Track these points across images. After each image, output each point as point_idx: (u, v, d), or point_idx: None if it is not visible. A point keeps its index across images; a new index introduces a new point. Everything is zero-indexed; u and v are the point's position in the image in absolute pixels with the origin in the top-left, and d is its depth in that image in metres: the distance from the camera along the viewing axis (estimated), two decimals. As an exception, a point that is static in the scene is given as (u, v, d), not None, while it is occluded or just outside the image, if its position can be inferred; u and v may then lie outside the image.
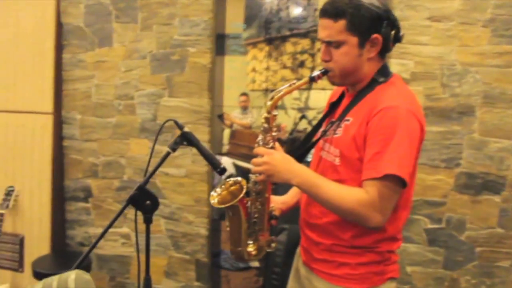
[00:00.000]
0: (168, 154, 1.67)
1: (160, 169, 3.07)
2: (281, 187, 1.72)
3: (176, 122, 1.72)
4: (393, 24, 1.56)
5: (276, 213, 1.78)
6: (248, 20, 3.06)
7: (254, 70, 3.10)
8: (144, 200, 1.64)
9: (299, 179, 1.52)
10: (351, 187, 1.49)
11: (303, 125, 3.09)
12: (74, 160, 3.36)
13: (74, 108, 3.31)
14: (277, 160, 1.56)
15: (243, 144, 3.62)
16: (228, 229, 1.73)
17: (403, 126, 1.44)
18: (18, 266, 3.30)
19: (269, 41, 3.01)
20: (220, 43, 3.09)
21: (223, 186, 1.79)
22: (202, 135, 3.03)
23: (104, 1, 3.17)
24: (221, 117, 3.33)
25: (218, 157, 3.35)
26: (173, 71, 3.06)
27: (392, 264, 1.62)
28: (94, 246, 1.58)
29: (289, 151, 1.67)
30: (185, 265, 3.20)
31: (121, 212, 1.61)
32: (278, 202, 1.84)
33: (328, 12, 1.53)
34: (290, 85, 1.63)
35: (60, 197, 3.41)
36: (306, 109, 3.01)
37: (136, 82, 3.15)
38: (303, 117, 3.10)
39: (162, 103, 3.11)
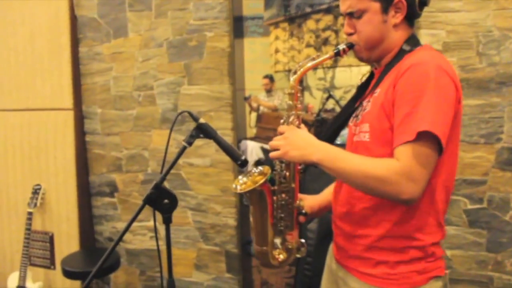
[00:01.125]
0: (184, 148, 1.56)
1: (184, 159, 3.00)
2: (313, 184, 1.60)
3: (190, 114, 1.60)
4: None
5: (306, 210, 1.63)
6: (268, 0, 2.91)
7: (277, 50, 2.96)
8: (162, 199, 1.54)
9: (319, 154, 1.38)
10: (380, 158, 1.34)
11: (330, 105, 2.94)
12: (97, 155, 3.30)
13: (94, 102, 3.25)
14: (296, 135, 1.44)
15: (270, 127, 3.50)
16: (252, 225, 1.62)
17: (434, 81, 1.30)
18: (50, 264, 3.30)
19: (290, 20, 2.85)
20: (238, 26, 2.96)
21: (249, 176, 1.66)
22: (225, 123, 2.92)
23: (116, -11, 3.07)
24: (247, 99, 3.20)
25: (245, 142, 3.25)
26: (191, 57, 2.95)
27: (436, 260, 1.45)
28: (111, 251, 1.49)
29: (316, 134, 1.54)
30: (215, 256, 3.13)
31: (137, 214, 1.51)
32: (309, 200, 1.70)
33: None
34: (313, 59, 1.52)
35: (86, 193, 3.38)
36: (332, 88, 2.85)
37: (154, 72, 3.05)
38: (329, 96, 2.95)
39: (182, 91, 3.01)
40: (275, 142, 1.45)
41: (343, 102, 2.86)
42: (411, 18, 1.48)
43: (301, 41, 2.86)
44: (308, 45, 2.87)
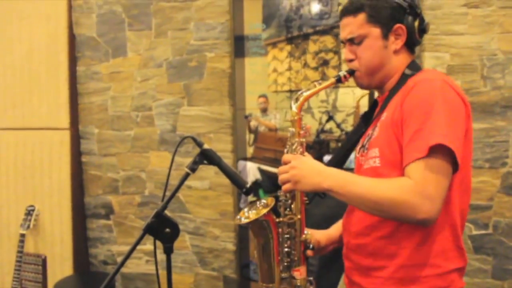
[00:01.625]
0: (187, 175, 1.50)
1: (186, 183, 2.93)
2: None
3: (194, 139, 1.54)
4: (416, 13, 1.46)
5: (314, 244, 1.56)
6: (267, 20, 2.88)
7: (275, 70, 2.93)
8: (163, 228, 1.47)
9: (330, 181, 1.33)
10: (391, 178, 1.29)
11: (330, 126, 2.90)
12: (93, 176, 3.23)
13: (91, 122, 3.19)
14: (304, 163, 1.39)
15: (267, 148, 3.46)
16: (257, 261, 1.55)
17: (441, 96, 1.27)
18: (42, 288, 3.20)
19: (290, 40, 2.83)
20: (239, 45, 2.92)
21: (253, 209, 1.60)
22: (225, 145, 2.87)
23: (116, 9, 3.04)
24: (247, 117, 3.15)
25: (242, 162, 3.19)
26: (191, 78, 2.91)
27: None
28: (112, 277, 1.42)
29: (317, 156, 1.49)
30: (213, 281, 3.04)
31: (137, 243, 1.44)
32: (316, 234, 1.63)
33: (347, 10, 1.47)
34: (315, 86, 1.49)
35: (81, 214, 3.29)
36: (334, 110, 2.81)
37: (153, 92, 3.01)
38: (330, 118, 2.92)
39: (182, 112, 2.96)
40: (284, 175, 1.40)
41: (345, 125, 2.81)
42: (411, 45, 1.48)
43: (301, 61, 2.83)
44: (307, 66, 2.84)
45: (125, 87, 3.07)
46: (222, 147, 2.87)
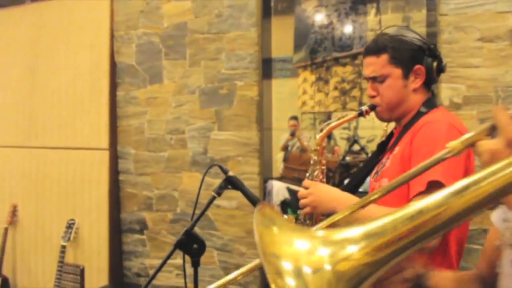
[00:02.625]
0: (213, 198, 1.71)
1: (216, 202, 3.12)
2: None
3: (220, 167, 1.75)
4: (435, 55, 1.61)
5: None
6: (298, 42, 3.02)
7: (305, 92, 3.08)
8: (191, 244, 1.67)
9: (342, 206, 1.50)
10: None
11: (356, 148, 3.04)
12: (129, 194, 3.47)
13: (128, 144, 3.43)
14: (321, 190, 1.57)
15: (296, 168, 3.60)
16: None
17: (445, 137, 1.42)
18: (79, 297, 3.43)
19: (318, 64, 2.99)
20: (266, 67, 3.08)
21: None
22: (252, 167, 3.05)
23: (154, 39, 3.29)
24: (293, 134, 3.24)
25: (271, 182, 3.36)
26: (222, 104, 3.12)
27: None
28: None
29: (341, 179, 1.67)
30: (239, 296, 3.21)
31: (168, 257, 1.65)
32: None
33: (371, 50, 1.62)
34: (339, 119, 1.70)
35: (117, 229, 3.52)
36: (355, 137, 2.97)
37: (187, 117, 3.23)
38: (355, 141, 3.06)
39: (212, 136, 3.17)
40: (303, 200, 1.58)
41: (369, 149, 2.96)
42: (429, 83, 1.63)
43: (328, 85, 2.98)
44: (335, 88, 2.98)
45: (160, 112, 3.31)
46: (250, 169, 3.06)
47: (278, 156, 3.70)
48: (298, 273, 0.64)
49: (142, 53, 3.34)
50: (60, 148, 3.54)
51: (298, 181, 3.54)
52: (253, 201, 1.75)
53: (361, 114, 1.66)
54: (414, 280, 1.38)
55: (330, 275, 0.63)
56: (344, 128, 2.90)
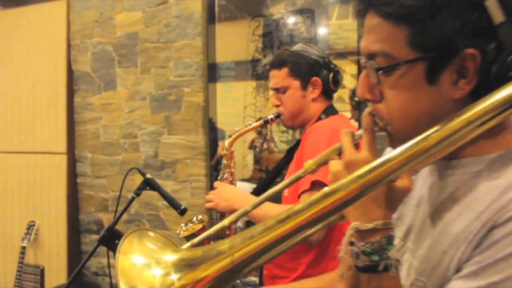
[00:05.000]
0: (133, 199, 1.87)
1: (164, 202, 3.27)
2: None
3: (139, 170, 1.93)
4: (330, 68, 1.77)
5: None
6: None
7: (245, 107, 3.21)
8: (113, 240, 1.83)
9: (240, 203, 1.67)
10: (286, 205, 1.62)
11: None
12: (87, 196, 3.61)
13: (85, 148, 3.58)
14: (225, 190, 1.75)
15: (265, 169, 3.75)
16: None
17: (326, 142, 1.57)
18: (40, 296, 3.56)
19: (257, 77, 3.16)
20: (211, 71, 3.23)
21: (190, 224, 1.96)
22: (199, 170, 3.21)
23: (108, 48, 3.44)
24: (260, 133, 3.32)
25: (239, 183, 3.51)
26: (171, 110, 3.27)
27: None
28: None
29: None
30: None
31: (93, 252, 1.80)
32: None
33: (274, 64, 1.80)
34: (246, 126, 1.85)
35: (76, 230, 3.67)
36: (294, 141, 3.13)
37: (139, 122, 3.38)
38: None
39: (162, 140, 3.32)
40: (209, 196, 1.76)
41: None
42: (327, 93, 1.80)
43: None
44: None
45: (114, 117, 3.46)
46: (197, 171, 3.21)
47: (248, 157, 3.84)
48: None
49: (97, 61, 3.49)
50: (20, 153, 3.67)
51: (265, 181, 3.69)
52: (169, 200, 1.91)
53: (266, 122, 1.85)
54: None
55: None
56: (283, 132, 3.07)
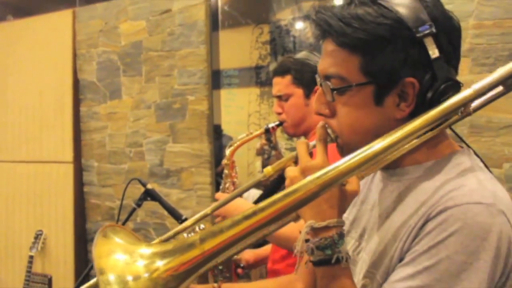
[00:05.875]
0: (134, 209, 1.85)
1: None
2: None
3: (139, 180, 1.91)
4: None
5: (243, 263, 1.88)
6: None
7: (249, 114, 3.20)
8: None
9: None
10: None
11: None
12: (93, 205, 3.62)
13: (91, 157, 3.59)
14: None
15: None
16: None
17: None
18: (47, 305, 3.57)
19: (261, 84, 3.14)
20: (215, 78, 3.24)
21: (192, 233, 1.93)
22: (204, 178, 3.19)
23: (113, 57, 3.45)
24: (269, 139, 3.31)
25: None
26: (175, 118, 3.26)
27: None
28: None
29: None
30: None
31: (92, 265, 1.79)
32: (245, 253, 1.94)
33: (277, 71, 1.78)
34: (247, 135, 1.83)
35: (83, 239, 3.67)
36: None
37: (144, 131, 3.38)
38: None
39: (167, 149, 3.32)
40: (215, 211, 1.74)
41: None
42: None
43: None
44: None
45: (120, 126, 3.46)
46: (202, 180, 3.20)
47: (253, 165, 3.82)
48: (121, 281, 0.79)
49: (102, 70, 3.50)
50: (28, 162, 3.69)
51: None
52: (170, 211, 1.89)
53: (267, 130, 1.82)
54: None
55: (147, 282, 0.79)
56: (288, 139, 3.05)
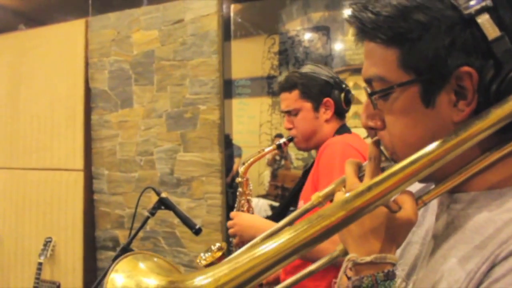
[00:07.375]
0: (147, 218, 1.86)
1: (179, 220, 3.28)
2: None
3: (154, 189, 1.92)
4: (341, 87, 1.76)
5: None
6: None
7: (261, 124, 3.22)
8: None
9: (261, 232, 1.66)
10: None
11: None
12: (103, 212, 3.63)
13: (102, 165, 3.60)
14: (243, 219, 1.72)
15: (281, 185, 3.75)
16: None
17: (340, 157, 1.55)
18: (55, 312, 3.57)
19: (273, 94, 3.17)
20: (227, 87, 3.27)
21: (209, 252, 1.95)
22: (215, 187, 3.20)
23: (125, 66, 3.48)
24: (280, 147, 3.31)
25: (255, 199, 3.50)
26: (186, 127, 3.28)
27: None
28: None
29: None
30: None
31: (106, 271, 1.79)
32: None
33: (284, 87, 1.79)
34: (259, 152, 1.84)
35: (92, 246, 3.68)
36: (311, 159, 3.13)
37: (155, 139, 3.40)
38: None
39: (178, 158, 3.33)
40: (230, 230, 1.75)
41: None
42: (340, 113, 1.78)
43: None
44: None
45: (131, 135, 3.48)
46: (213, 189, 3.21)
47: (265, 174, 3.85)
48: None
49: (114, 79, 3.53)
50: (39, 169, 3.72)
51: (282, 198, 3.69)
52: (184, 220, 1.90)
53: (279, 146, 1.85)
54: None
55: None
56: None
